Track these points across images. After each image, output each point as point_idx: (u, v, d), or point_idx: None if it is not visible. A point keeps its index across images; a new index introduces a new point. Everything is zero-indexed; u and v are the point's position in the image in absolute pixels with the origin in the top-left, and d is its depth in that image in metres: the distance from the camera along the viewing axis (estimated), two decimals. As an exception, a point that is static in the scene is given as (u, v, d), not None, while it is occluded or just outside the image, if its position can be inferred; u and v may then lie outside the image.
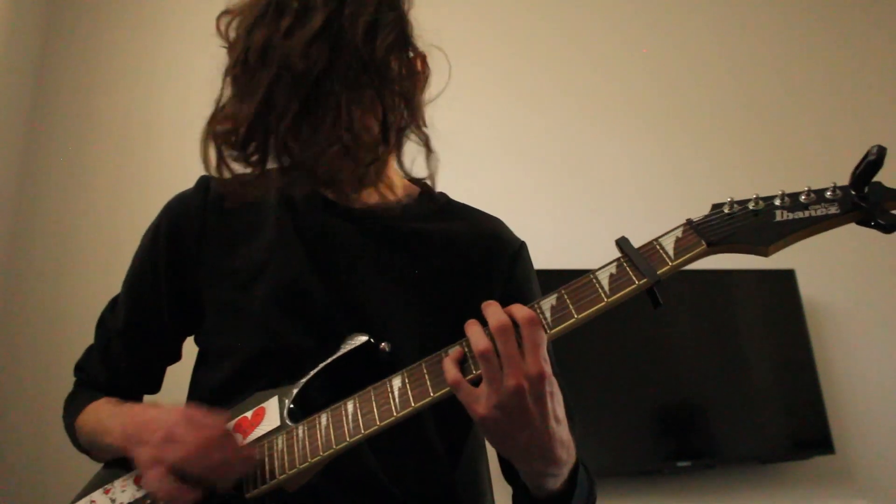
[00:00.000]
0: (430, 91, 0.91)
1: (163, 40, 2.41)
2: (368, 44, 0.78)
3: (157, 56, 2.40)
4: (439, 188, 1.07)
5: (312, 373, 0.86)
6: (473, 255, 0.98)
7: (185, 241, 0.98)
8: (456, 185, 1.15)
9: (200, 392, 0.98)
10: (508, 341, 0.72)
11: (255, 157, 0.82)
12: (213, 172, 0.86)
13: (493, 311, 0.74)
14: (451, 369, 0.75)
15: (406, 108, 0.84)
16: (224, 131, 0.82)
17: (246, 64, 0.78)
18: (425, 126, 0.87)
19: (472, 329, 0.75)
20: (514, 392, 0.71)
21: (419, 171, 0.94)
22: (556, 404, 0.75)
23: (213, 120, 0.84)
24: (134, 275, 1.04)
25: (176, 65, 2.36)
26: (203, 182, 1.01)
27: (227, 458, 0.79)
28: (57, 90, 2.32)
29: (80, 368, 1.09)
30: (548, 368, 0.72)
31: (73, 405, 1.03)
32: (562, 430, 0.76)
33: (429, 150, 0.88)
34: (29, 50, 2.28)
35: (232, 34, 0.83)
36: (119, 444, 0.87)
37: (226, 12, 0.85)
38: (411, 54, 0.87)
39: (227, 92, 0.83)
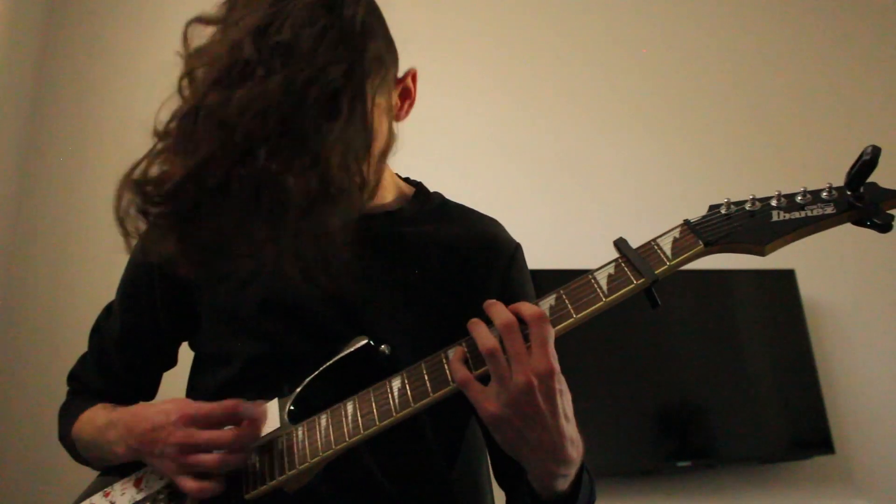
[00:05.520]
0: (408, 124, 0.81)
1: (163, 40, 2.39)
2: (304, 105, 0.67)
3: (158, 56, 2.39)
4: (437, 188, 1.07)
5: (313, 375, 0.86)
6: (470, 257, 0.97)
7: None
8: (453, 185, 1.15)
9: (199, 397, 0.97)
10: (515, 339, 0.72)
11: (162, 219, 0.73)
12: (119, 221, 0.76)
13: (498, 310, 0.74)
14: (459, 368, 0.75)
15: (351, 171, 0.71)
16: (149, 184, 0.73)
17: (193, 121, 0.70)
18: (375, 184, 0.78)
19: (478, 328, 0.75)
20: (524, 389, 0.70)
21: None
22: (566, 402, 0.74)
23: (139, 166, 0.75)
24: (128, 281, 1.04)
25: (176, 65, 2.36)
26: None
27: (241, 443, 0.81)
28: (57, 90, 2.32)
29: (73, 377, 1.09)
30: (556, 365, 0.72)
31: (67, 416, 1.02)
32: (571, 428, 0.75)
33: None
34: (29, 50, 2.27)
35: (198, 73, 0.74)
36: (130, 457, 0.89)
37: (198, 20, 0.77)
38: (369, 104, 0.73)
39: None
